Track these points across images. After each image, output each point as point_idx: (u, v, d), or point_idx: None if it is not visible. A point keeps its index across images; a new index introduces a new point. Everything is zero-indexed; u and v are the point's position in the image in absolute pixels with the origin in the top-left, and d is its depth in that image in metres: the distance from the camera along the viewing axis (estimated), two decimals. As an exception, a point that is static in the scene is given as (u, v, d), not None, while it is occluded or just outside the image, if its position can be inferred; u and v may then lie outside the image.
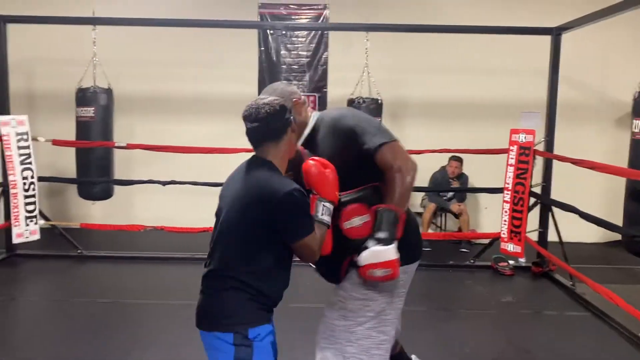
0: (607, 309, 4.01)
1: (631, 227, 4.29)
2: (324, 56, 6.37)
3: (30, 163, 4.98)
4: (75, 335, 3.58)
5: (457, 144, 5.56)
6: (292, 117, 1.89)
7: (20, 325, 3.87)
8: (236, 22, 5.59)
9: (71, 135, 5.30)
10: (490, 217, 6.27)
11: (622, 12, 4.01)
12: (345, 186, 1.95)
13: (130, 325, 3.81)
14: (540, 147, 5.03)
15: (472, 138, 5.82)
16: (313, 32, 6.33)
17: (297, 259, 1.89)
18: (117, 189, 5.52)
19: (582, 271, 4.38)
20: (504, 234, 5.06)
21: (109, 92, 5.22)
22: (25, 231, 4.99)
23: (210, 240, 1.91)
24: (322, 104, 6.31)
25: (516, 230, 4.96)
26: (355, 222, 1.95)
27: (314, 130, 2.11)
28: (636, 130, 4.30)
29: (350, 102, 5.38)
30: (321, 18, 6.33)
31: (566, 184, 5.27)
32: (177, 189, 5.35)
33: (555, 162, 5.05)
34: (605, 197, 5.96)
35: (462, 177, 6.03)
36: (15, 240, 4.98)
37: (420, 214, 6.25)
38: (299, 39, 6.37)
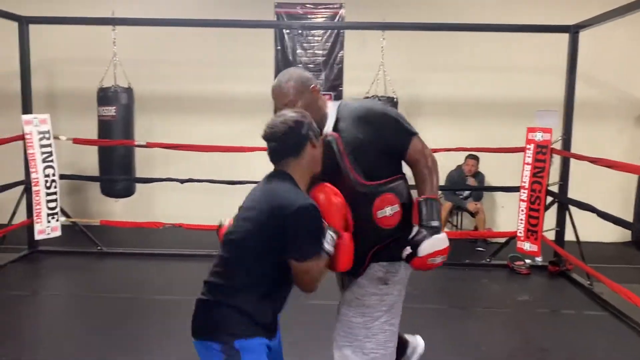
0: (625, 308, 3.98)
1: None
2: (339, 55, 6.40)
3: (52, 161, 5.08)
4: (95, 330, 3.66)
5: (473, 143, 5.54)
6: (310, 132, 1.86)
7: (41, 319, 3.96)
8: (253, 21, 5.64)
9: (91, 134, 5.38)
10: (506, 216, 6.25)
11: (640, 9, 3.97)
12: (372, 176, 1.98)
13: (149, 320, 3.88)
14: (557, 146, 5.01)
15: (488, 136, 5.79)
16: (329, 31, 6.37)
17: None
18: (138, 186, 5.58)
19: (599, 270, 4.34)
20: (520, 232, 5.04)
21: (129, 91, 5.28)
22: (46, 228, 5.10)
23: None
24: (338, 103, 6.32)
25: (533, 229, 4.93)
26: (387, 211, 1.98)
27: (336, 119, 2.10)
28: (655, 129, 4.26)
29: (366, 101, 5.38)
30: (337, 17, 6.35)
31: (584, 183, 5.23)
32: (195, 186, 5.41)
33: (572, 161, 5.01)
34: (623, 196, 5.91)
35: (478, 176, 6.01)
36: (37, 236, 5.08)
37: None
38: (315, 38, 6.40)
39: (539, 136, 4.90)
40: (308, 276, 1.76)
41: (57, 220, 5.16)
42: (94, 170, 5.56)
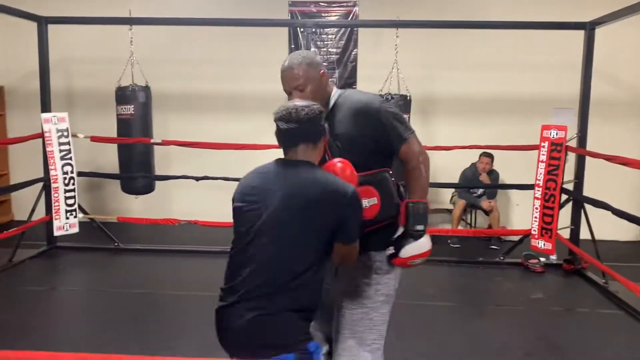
0: (641, 307, 3.96)
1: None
2: (353, 53, 6.41)
3: (70, 158, 5.17)
4: (112, 324, 3.72)
5: (487, 140, 5.52)
6: (325, 126, 1.89)
7: (60, 314, 4.04)
8: (267, 20, 5.69)
9: (109, 132, 5.46)
10: (520, 214, 6.23)
11: (657, 5, 3.94)
12: (357, 168, 1.98)
13: (165, 315, 3.93)
14: (572, 144, 4.98)
15: (502, 134, 5.77)
16: (342, 29, 6.38)
17: None
18: (157, 184, 5.63)
19: (615, 269, 4.31)
20: (534, 230, 5.02)
21: (147, 89, 5.33)
22: (65, 224, 5.19)
23: (237, 251, 1.83)
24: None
25: (547, 227, 4.91)
26: (364, 203, 1.97)
27: (333, 107, 2.11)
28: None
29: (380, 99, 5.39)
30: (351, 15, 6.37)
31: (599, 181, 5.19)
32: (210, 184, 5.47)
33: (587, 159, 4.98)
34: (638, 194, 5.85)
35: (492, 174, 5.99)
36: (56, 232, 5.17)
37: (450, 211, 6.25)
38: (329, 36, 6.42)
39: (553, 134, 4.88)
40: (351, 255, 1.86)
41: (75, 217, 5.25)
42: (112, 168, 5.64)
